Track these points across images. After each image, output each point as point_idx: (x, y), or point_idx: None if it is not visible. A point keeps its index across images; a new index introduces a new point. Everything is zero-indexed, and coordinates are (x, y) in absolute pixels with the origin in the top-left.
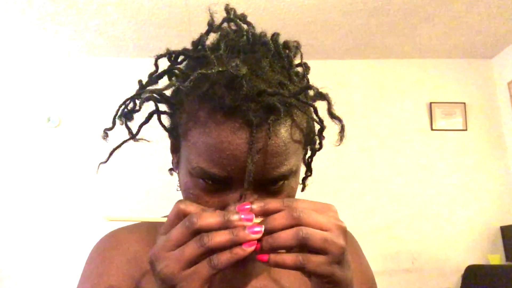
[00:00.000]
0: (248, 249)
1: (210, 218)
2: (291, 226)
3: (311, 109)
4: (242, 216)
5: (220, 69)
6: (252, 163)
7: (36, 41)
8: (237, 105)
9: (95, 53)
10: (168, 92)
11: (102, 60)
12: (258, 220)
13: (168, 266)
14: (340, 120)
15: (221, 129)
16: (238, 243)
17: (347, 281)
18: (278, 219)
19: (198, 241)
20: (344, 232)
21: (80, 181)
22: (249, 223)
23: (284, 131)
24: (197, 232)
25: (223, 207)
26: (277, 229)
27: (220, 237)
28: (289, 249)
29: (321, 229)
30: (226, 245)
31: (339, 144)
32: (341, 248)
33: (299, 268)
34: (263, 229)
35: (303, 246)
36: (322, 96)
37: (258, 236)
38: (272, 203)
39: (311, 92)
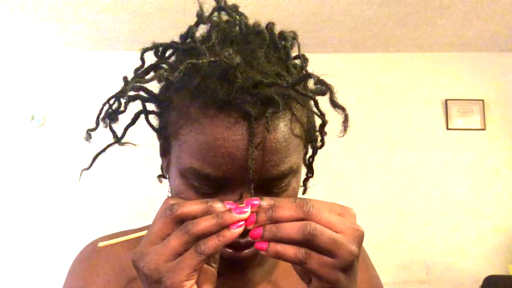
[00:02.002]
0: (236, 230)
1: (193, 205)
2: (299, 220)
3: (311, 102)
4: (228, 206)
5: (212, 59)
6: (252, 160)
7: (18, 34)
8: (232, 98)
9: (83, 46)
10: (155, 90)
11: (90, 54)
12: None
13: (152, 260)
14: (343, 109)
15: (215, 125)
16: (225, 226)
17: None
18: (286, 210)
19: (182, 229)
20: (360, 238)
21: (65, 184)
22: (243, 215)
23: (283, 126)
24: (181, 222)
25: None
26: (283, 220)
27: (205, 222)
28: (293, 243)
29: (333, 230)
30: (213, 230)
31: (343, 135)
32: (352, 254)
33: (300, 262)
34: (249, 209)
35: (309, 244)
36: (323, 84)
37: (245, 216)
38: (284, 200)
39: (311, 82)
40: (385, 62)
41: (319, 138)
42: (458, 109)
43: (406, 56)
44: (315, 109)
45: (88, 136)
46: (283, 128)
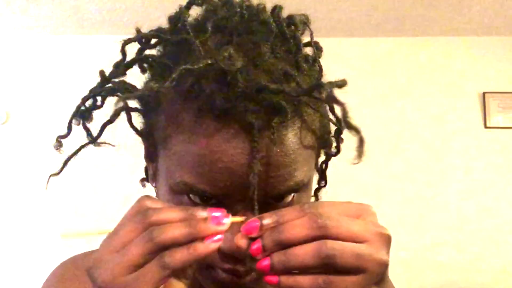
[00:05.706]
0: (212, 245)
1: (171, 212)
2: (314, 238)
3: (326, 105)
4: (212, 214)
5: (210, 61)
6: (254, 176)
7: None
8: (232, 106)
9: (53, 30)
10: (137, 83)
11: (61, 38)
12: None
13: (108, 271)
14: (357, 131)
15: (211, 136)
16: (198, 238)
17: None
18: (296, 228)
19: (146, 236)
20: (388, 242)
21: (30, 189)
22: (220, 227)
23: (292, 136)
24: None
25: None
26: (295, 242)
27: (174, 230)
28: (310, 270)
29: (355, 241)
30: (182, 241)
31: (358, 162)
32: (382, 264)
33: None
34: (230, 220)
35: (330, 266)
36: (334, 101)
37: (223, 228)
38: (289, 213)
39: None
40: (411, 48)
41: (334, 144)
42: (498, 104)
43: (436, 41)
44: (330, 114)
45: (58, 144)
46: (291, 139)
